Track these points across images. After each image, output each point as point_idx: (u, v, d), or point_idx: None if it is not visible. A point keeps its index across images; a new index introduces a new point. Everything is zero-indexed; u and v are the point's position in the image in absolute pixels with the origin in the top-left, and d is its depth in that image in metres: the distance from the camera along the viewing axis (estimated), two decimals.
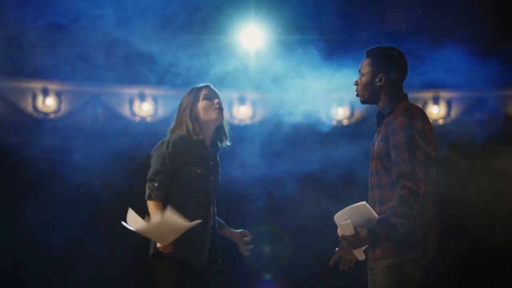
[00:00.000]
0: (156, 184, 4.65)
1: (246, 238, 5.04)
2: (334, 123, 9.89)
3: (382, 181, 4.28)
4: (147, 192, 4.69)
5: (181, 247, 4.56)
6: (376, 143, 4.36)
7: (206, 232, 4.71)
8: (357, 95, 4.53)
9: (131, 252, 8.12)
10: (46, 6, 8.46)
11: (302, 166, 9.33)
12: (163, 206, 4.59)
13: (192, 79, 8.13)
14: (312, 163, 9.27)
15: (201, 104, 4.86)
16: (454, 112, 9.93)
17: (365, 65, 4.47)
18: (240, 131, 9.54)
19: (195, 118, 4.82)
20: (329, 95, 9.61)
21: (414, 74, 8.65)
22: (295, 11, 8.99)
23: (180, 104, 4.96)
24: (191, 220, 4.48)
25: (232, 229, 5.06)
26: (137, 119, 9.87)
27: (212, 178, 4.82)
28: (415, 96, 9.66)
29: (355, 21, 9.61)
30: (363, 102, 4.52)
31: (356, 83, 4.52)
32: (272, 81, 9.02)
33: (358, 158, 8.68)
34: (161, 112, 9.88)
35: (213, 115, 4.87)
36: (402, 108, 4.29)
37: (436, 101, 9.93)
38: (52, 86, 9.75)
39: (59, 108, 9.79)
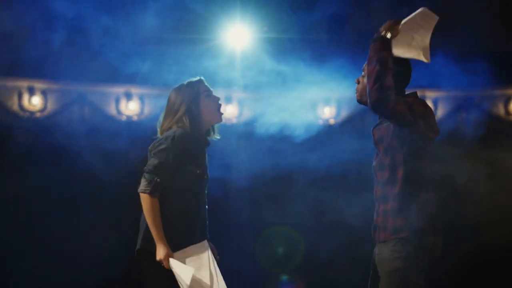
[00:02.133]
0: (158, 180, 4.52)
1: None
2: (320, 122, 9.89)
3: (385, 163, 4.31)
4: (146, 185, 4.54)
5: (171, 246, 4.51)
6: (379, 144, 4.37)
7: (197, 231, 4.64)
8: (356, 93, 4.51)
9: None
10: (31, 4, 8.44)
11: (292, 165, 9.34)
12: (158, 202, 4.52)
13: (179, 78, 8.12)
14: (305, 161, 9.29)
15: (205, 103, 4.74)
16: (440, 112, 9.95)
17: None
18: (226, 131, 9.54)
19: (197, 115, 4.70)
20: (315, 94, 9.62)
21: None
22: (282, 10, 8.98)
23: (177, 99, 4.77)
24: (184, 219, 4.46)
25: (209, 238, 4.89)
26: (123, 118, 9.84)
27: (205, 177, 4.73)
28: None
29: (342, 20, 9.61)
30: (360, 102, 4.51)
31: (358, 81, 4.50)
32: (258, 80, 9.01)
33: (349, 156, 8.70)
34: (147, 111, 9.86)
35: (218, 118, 4.80)
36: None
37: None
38: (38, 85, 9.71)
39: (45, 107, 9.75)
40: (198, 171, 4.62)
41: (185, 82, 4.83)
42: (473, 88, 9.70)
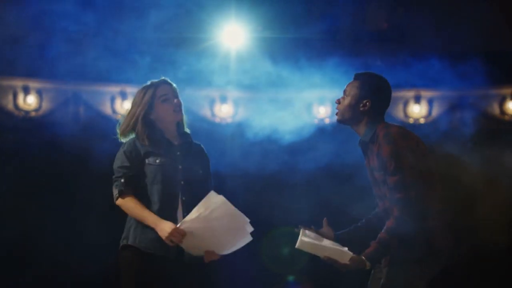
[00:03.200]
0: (122, 180, 4.57)
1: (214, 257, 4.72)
2: (315, 121, 9.90)
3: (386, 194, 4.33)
4: (116, 192, 4.59)
5: (144, 238, 4.52)
6: (374, 172, 4.38)
7: (174, 222, 4.54)
8: (336, 114, 4.54)
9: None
10: (27, 4, 8.43)
11: (286, 165, 9.33)
12: (136, 199, 4.54)
13: (174, 77, 8.11)
14: (300, 162, 9.29)
15: (160, 108, 4.68)
16: (435, 111, 9.96)
17: (353, 87, 4.50)
18: (222, 130, 9.55)
19: (149, 123, 4.68)
20: (310, 93, 9.62)
21: (395, 73, 8.71)
22: (277, 10, 8.98)
23: (134, 103, 4.75)
24: (158, 208, 4.50)
25: None
26: (119, 117, 9.82)
27: (180, 167, 4.66)
28: (397, 95, 9.68)
29: (336, 20, 9.61)
30: (340, 121, 4.55)
31: (338, 102, 4.53)
32: (253, 79, 9.01)
33: (341, 156, 8.70)
34: None
35: (171, 117, 4.71)
36: (382, 134, 4.32)
37: (417, 100, 9.95)
38: (33, 84, 9.70)
39: (40, 106, 9.74)
40: (157, 161, 4.61)
41: (148, 83, 4.77)
42: (468, 87, 9.70)
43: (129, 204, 4.55)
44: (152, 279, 4.50)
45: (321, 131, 9.59)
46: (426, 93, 9.97)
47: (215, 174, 4.95)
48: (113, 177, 4.65)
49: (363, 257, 4.21)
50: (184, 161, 4.70)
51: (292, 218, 9.53)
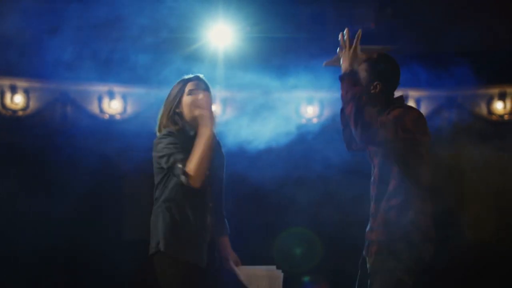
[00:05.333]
0: (180, 165, 4.28)
1: (237, 266, 4.67)
2: (303, 121, 9.90)
3: (379, 177, 4.32)
4: (183, 178, 4.28)
5: (179, 245, 4.37)
6: (374, 158, 4.35)
7: (205, 229, 4.45)
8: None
9: None
10: (14, 3, 8.41)
11: (277, 165, 9.34)
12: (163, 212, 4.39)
13: (161, 77, 8.11)
14: (290, 161, 9.30)
15: (186, 99, 4.55)
16: (422, 111, 9.96)
17: (361, 70, 4.45)
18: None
19: (179, 115, 4.53)
20: (298, 93, 9.62)
21: None
22: (264, 9, 8.98)
23: (167, 97, 4.64)
24: (188, 218, 4.36)
25: (229, 246, 4.71)
26: (106, 116, 9.83)
27: (206, 173, 4.41)
28: None
29: (324, 19, 9.62)
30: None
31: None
32: (241, 79, 9.01)
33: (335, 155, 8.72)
34: (130, 110, 9.84)
35: (195, 112, 4.50)
36: (398, 112, 4.30)
37: (405, 100, 9.96)
38: (20, 83, 9.67)
39: (27, 106, 9.72)
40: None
41: (180, 79, 4.65)
42: (456, 88, 9.73)
43: (196, 162, 4.27)
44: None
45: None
46: (413, 93, 9.99)
47: None
48: (169, 166, 4.35)
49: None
50: (210, 166, 4.47)
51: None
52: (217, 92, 9.77)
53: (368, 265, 4.34)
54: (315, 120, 9.94)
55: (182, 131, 4.50)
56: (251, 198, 9.67)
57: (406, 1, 9.78)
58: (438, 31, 9.72)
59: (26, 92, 9.70)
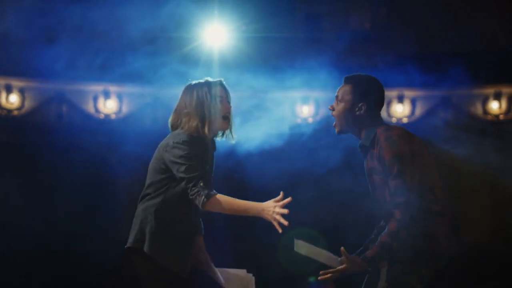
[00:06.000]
0: (202, 184, 4.23)
1: (209, 266, 4.64)
2: (299, 121, 9.91)
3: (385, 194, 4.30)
4: (200, 199, 4.24)
5: (164, 250, 4.32)
6: (374, 176, 4.34)
7: (192, 237, 4.43)
8: (334, 125, 4.45)
9: None
10: (9, 3, 8.41)
11: (272, 165, 9.34)
12: (221, 195, 4.28)
13: (157, 77, 8.11)
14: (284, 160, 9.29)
15: (216, 107, 4.44)
16: (418, 111, 9.99)
17: (346, 92, 4.39)
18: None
19: (209, 119, 4.41)
20: (294, 93, 9.63)
21: (378, 73, 8.73)
22: (260, 9, 8.98)
23: (188, 98, 4.49)
24: (188, 229, 4.35)
25: (204, 246, 4.65)
26: (101, 116, 9.82)
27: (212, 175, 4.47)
28: None
29: (319, 19, 9.62)
30: (339, 133, 4.46)
31: (332, 108, 4.44)
32: (236, 79, 9.00)
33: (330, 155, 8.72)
34: (125, 109, 9.83)
35: (224, 126, 4.49)
36: (383, 137, 4.24)
37: (400, 100, 9.98)
38: (16, 83, 9.66)
39: (22, 105, 9.71)
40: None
41: (203, 81, 4.53)
42: (451, 87, 9.74)
43: (222, 203, 4.26)
44: None
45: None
46: (409, 93, 9.99)
47: None
48: (186, 178, 4.28)
49: (362, 260, 4.18)
50: (211, 171, 4.51)
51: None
52: None
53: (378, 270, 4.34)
54: (310, 120, 9.94)
55: (203, 139, 4.41)
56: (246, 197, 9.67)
57: (402, 2, 9.79)
58: (434, 31, 9.74)
59: (22, 91, 9.70)
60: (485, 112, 10.14)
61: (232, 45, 9.19)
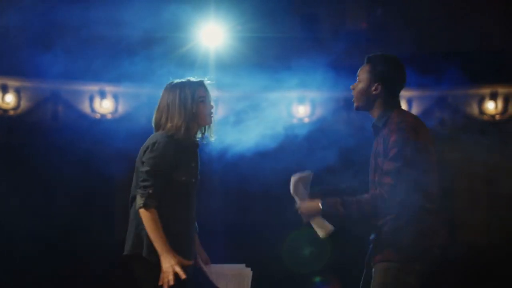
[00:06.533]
0: (150, 191, 4.31)
1: (206, 265, 4.69)
2: (294, 121, 9.91)
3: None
4: (140, 201, 4.31)
5: (179, 251, 4.31)
6: (375, 157, 4.33)
7: (190, 234, 4.47)
8: (353, 101, 4.46)
9: None
10: (6, 3, 8.40)
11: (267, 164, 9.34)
12: (157, 214, 4.29)
13: (153, 77, 8.11)
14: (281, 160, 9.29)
15: (199, 108, 4.46)
16: (414, 111, 9.99)
17: (364, 71, 4.41)
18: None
19: (191, 119, 4.44)
20: (290, 93, 9.63)
21: None
22: (256, 9, 8.98)
23: (170, 98, 4.49)
24: (175, 227, 4.35)
25: (199, 244, 4.71)
26: (97, 116, 9.82)
27: (193, 180, 4.49)
28: None
29: (315, 19, 9.63)
30: (357, 109, 4.45)
31: (353, 88, 4.45)
32: (232, 78, 9.00)
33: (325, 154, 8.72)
34: (121, 109, 9.83)
35: (207, 121, 4.52)
36: (395, 121, 4.24)
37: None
38: (11, 83, 9.65)
39: (18, 105, 9.70)
40: (183, 178, 4.47)
41: (185, 80, 4.51)
42: (447, 87, 9.74)
43: (152, 219, 4.30)
44: None
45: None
46: (405, 93, 9.98)
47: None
48: (141, 180, 4.36)
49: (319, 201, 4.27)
50: (196, 173, 4.56)
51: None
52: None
53: (372, 265, 4.33)
54: (306, 120, 9.94)
55: (182, 140, 4.44)
56: (243, 198, 9.68)
57: (398, 3, 9.79)
58: (430, 32, 9.74)
59: (17, 91, 9.68)
60: (481, 112, 10.14)
61: (228, 45, 9.20)
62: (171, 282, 4.21)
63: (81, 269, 9.31)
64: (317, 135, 9.29)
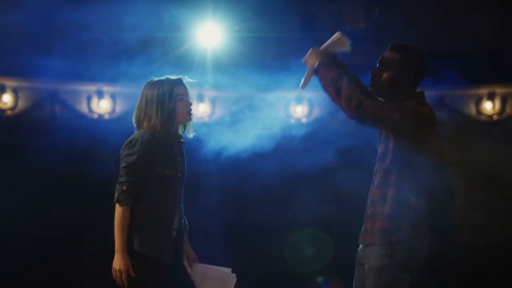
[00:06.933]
0: (124, 188, 4.38)
1: (194, 263, 4.75)
2: (292, 121, 9.91)
3: (381, 167, 4.27)
4: (116, 195, 4.40)
5: (153, 245, 4.41)
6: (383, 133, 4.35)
7: (168, 230, 4.50)
8: (371, 85, 4.41)
9: None
10: (3, 3, 8.40)
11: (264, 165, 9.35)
12: (131, 210, 4.38)
13: (151, 77, 8.10)
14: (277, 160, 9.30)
15: (178, 106, 4.51)
16: None
17: (395, 59, 4.35)
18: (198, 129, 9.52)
19: (168, 117, 4.49)
20: (287, 93, 9.63)
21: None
22: (253, 9, 8.99)
23: (149, 96, 4.52)
24: (159, 220, 4.40)
25: (188, 243, 4.76)
26: (95, 116, 9.82)
27: (179, 175, 4.55)
28: None
29: (314, 19, 9.63)
30: (376, 93, 4.42)
31: (375, 73, 4.39)
32: (230, 78, 9.01)
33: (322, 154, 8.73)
34: (119, 109, 9.83)
35: (186, 119, 4.57)
36: (410, 103, 4.21)
37: None
38: (9, 83, 9.65)
39: (16, 105, 9.69)
40: (167, 172, 4.51)
41: (164, 78, 4.54)
42: (445, 88, 9.75)
43: (122, 216, 4.40)
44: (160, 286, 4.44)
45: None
46: None
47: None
48: (119, 179, 4.43)
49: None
50: (181, 168, 4.62)
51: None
52: (206, 92, 9.77)
53: (363, 260, 4.33)
54: (304, 120, 9.94)
55: (161, 138, 4.48)
56: (241, 198, 9.69)
57: (396, 3, 9.80)
58: (428, 32, 9.75)
59: (15, 91, 9.68)
60: (479, 112, 10.15)
61: (226, 45, 9.20)
62: (119, 283, 4.36)
63: (81, 269, 9.30)
64: (314, 135, 9.29)
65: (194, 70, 8.88)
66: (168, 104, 4.48)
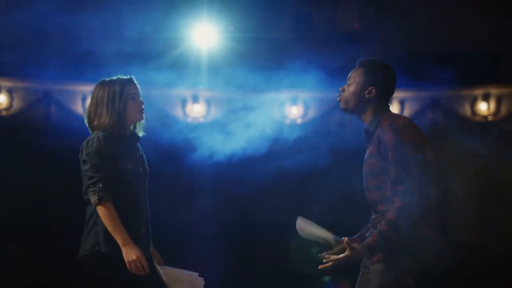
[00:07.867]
0: (100, 185, 4.39)
1: (159, 264, 4.76)
2: (287, 121, 9.91)
3: (386, 195, 4.26)
4: (94, 197, 4.40)
5: (115, 242, 4.40)
6: (369, 160, 4.34)
7: (141, 225, 4.55)
8: (339, 101, 4.46)
9: None
10: None
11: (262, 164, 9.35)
12: (113, 207, 4.37)
13: (145, 77, 8.10)
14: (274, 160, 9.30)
15: (129, 105, 4.58)
16: (407, 112, 10.00)
17: (358, 74, 4.42)
18: (193, 129, 9.54)
19: (119, 115, 4.55)
20: (282, 93, 9.63)
21: None
22: (248, 9, 8.99)
23: (100, 95, 4.59)
24: (128, 215, 4.42)
25: (152, 246, 4.77)
26: None
27: (140, 169, 4.62)
28: None
29: (308, 20, 9.64)
30: (344, 110, 4.45)
31: (342, 90, 4.46)
32: (225, 79, 9.01)
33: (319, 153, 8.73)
34: None
35: (138, 118, 4.64)
36: (387, 123, 4.25)
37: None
38: (4, 83, 9.64)
39: (11, 105, 9.69)
40: (129, 166, 4.54)
41: (115, 78, 4.64)
42: (440, 88, 9.76)
43: (109, 213, 4.39)
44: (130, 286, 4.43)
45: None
46: (397, 94, 9.97)
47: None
48: (89, 181, 4.45)
49: (362, 247, 4.16)
50: (142, 163, 4.68)
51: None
52: (201, 92, 9.78)
53: (369, 265, 4.33)
54: (299, 121, 9.95)
55: (115, 136, 4.53)
56: (235, 199, 9.69)
57: (391, 3, 9.81)
58: (422, 33, 9.76)
59: (10, 91, 9.67)
60: (474, 113, 10.16)
61: (220, 46, 9.19)
62: (141, 272, 4.35)
63: (80, 269, 9.29)
64: (309, 136, 9.29)
65: (189, 70, 8.88)
66: (119, 103, 4.55)
